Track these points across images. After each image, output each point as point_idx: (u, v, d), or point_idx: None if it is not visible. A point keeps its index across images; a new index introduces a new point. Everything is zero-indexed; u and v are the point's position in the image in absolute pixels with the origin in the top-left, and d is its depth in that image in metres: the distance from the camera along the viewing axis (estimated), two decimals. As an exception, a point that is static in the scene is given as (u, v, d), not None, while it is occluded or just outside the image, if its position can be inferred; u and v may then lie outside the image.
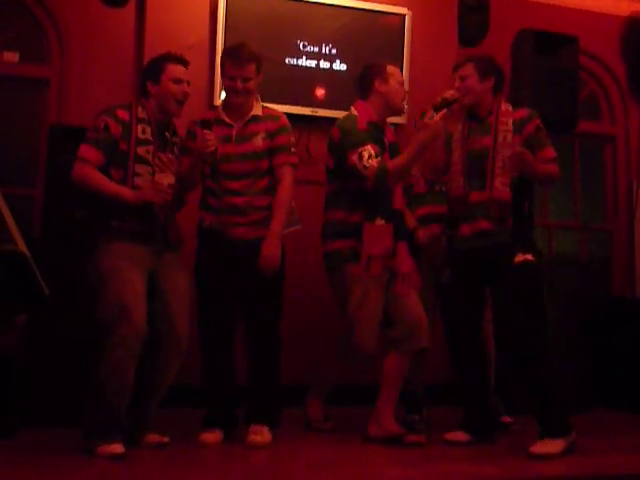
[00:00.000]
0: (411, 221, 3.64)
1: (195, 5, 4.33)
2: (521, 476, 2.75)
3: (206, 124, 3.10)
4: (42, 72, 4.33)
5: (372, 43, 4.50)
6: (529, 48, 4.57)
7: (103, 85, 4.19)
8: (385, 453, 3.06)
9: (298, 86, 4.39)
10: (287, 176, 3.19)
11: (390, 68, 3.42)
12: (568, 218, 5.39)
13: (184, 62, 3.12)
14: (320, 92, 4.44)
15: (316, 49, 4.45)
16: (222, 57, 3.27)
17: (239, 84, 3.13)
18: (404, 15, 4.55)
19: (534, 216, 3.41)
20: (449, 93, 3.24)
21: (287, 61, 4.39)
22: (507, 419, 3.68)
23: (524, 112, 3.31)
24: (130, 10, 4.33)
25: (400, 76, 3.49)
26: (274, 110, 3.34)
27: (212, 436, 3.08)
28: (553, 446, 2.99)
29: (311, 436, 3.40)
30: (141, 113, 3.04)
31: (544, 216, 5.22)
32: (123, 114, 3.00)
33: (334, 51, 4.47)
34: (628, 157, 5.40)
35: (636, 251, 5.20)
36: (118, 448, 2.77)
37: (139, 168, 2.98)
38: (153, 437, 3.00)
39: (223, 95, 4.18)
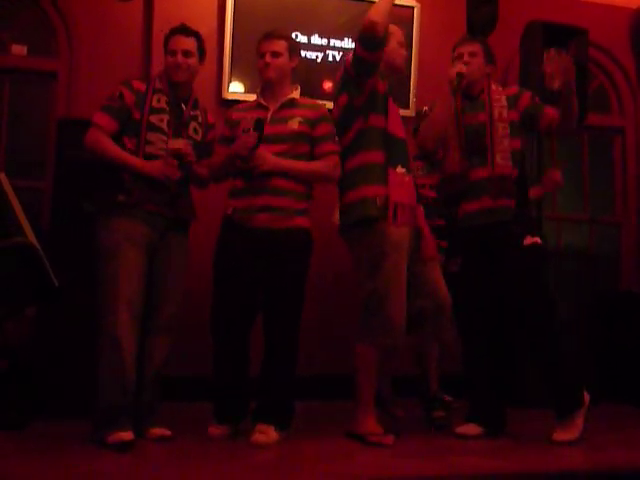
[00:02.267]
0: None
1: (203, 1, 4.32)
2: (537, 469, 2.71)
3: (259, 126, 2.97)
4: (50, 65, 4.34)
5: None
6: (538, 40, 4.50)
7: (111, 78, 4.13)
8: (396, 446, 3.02)
9: (306, 79, 4.36)
10: (334, 160, 3.11)
11: (391, 27, 3.27)
12: (577, 211, 5.36)
13: (184, 31, 3.11)
14: (328, 85, 4.42)
15: (325, 42, 4.44)
16: (258, 42, 3.20)
17: (268, 57, 3.10)
18: (413, 7, 4.56)
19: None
20: (459, 67, 3.25)
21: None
22: (446, 398, 3.68)
23: (514, 89, 3.40)
24: (138, 3, 4.35)
25: (401, 36, 3.39)
26: (315, 100, 3.30)
27: (217, 430, 3.04)
28: (572, 431, 3.01)
29: (324, 428, 3.36)
30: (158, 84, 3.07)
31: (553, 209, 5.20)
32: (139, 85, 3.05)
33: (342, 44, 4.45)
34: (638, 150, 5.38)
35: (646, 245, 5.17)
36: (127, 435, 2.77)
37: (151, 136, 2.98)
38: (156, 430, 2.98)
39: (232, 87, 4.23)
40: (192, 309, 3.23)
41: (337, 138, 3.15)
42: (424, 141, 3.41)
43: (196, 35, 3.13)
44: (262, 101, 3.16)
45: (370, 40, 3.00)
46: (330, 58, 4.42)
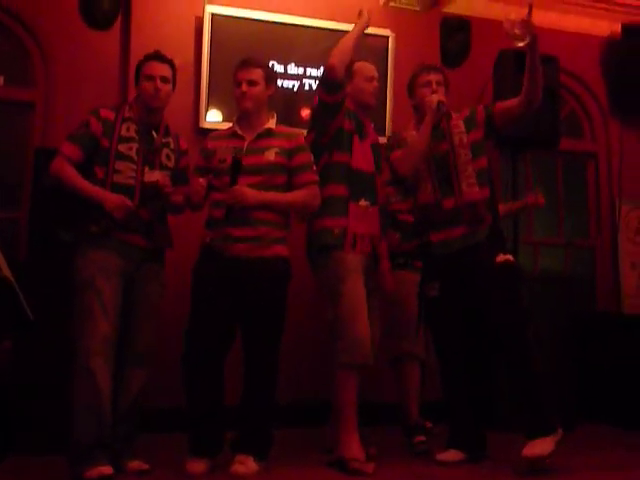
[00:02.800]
0: None
1: (180, 27, 4.35)
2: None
3: (236, 167, 3.01)
4: (27, 95, 4.32)
5: (356, 64, 4.54)
6: (510, 68, 4.58)
7: (88, 108, 4.08)
8: (377, 474, 3.01)
9: (283, 107, 4.40)
10: (309, 190, 3.14)
11: (356, 65, 3.43)
12: (552, 235, 5.42)
13: (159, 58, 3.12)
14: (305, 112, 4.45)
15: (301, 71, 4.48)
16: (233, 71, 3.23)
17: (244, 86, 3.12)
18: (388, 37, 4.61)
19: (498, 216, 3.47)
20: (440, 95, 3.34)
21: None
22: (428, 424, 3.70)
23: (467, 110, 3.44)
24: (115, 33, 4.35)
25: (369, 71, 3.47)
26: (292, 129, 3.31)
27: (197, 466, 2.97)
28: (543, 446, 2.98)
29: (303, 456, 3.33)
30: (127, 112, 3.06)
31: (529, 233, 5.25)
32: (107, 113, 3.04)
33: (319, 72, 4.48)
34: (610, 174, 5.44)
35: (620, 267, 5.23)
36: (106, 470, 2.74)
37: (120, 165, 2.97)
38: (134, 464, 2.95)
39: (209, 116, 4.25)
40: (168, 339, 3.19)
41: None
42: (402, 168, 3.42)
43: (170, 62, 3.14)
44: (238, 130, 3.17)
45: (329, 83, 3.17)
46: (307, 87, 4.46)
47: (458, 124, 3.37)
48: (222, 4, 4.35)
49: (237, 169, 2.99)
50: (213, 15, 4.29)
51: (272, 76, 3.25)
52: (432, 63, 3.69)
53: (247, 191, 3.01)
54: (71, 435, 2.81)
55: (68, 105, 4.21)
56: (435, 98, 3.33)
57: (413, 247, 3.74)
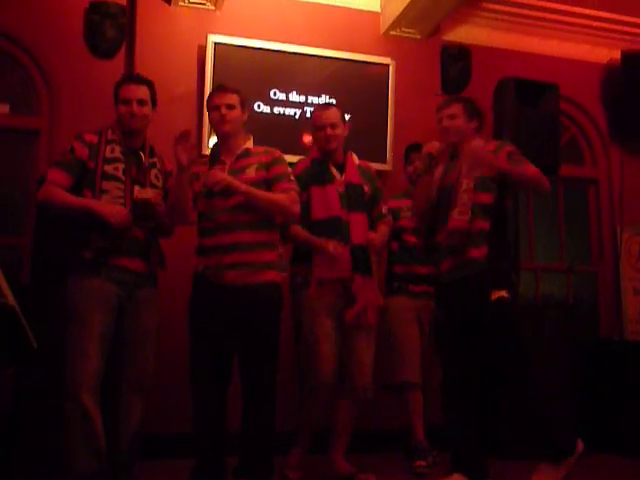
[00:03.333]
0: None
1: (183, 56, 4.42)
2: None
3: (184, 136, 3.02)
4: (32, 123, 4.37)
5: (358, 92, 4.61)
6: (510, 96, 4.64)
7: (92, 135, 4.23)
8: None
9: (286, 134, 4.45)
10: (293, 195, 3.17)
11: (312, 116, 3.58)
12: (554, 260, 5.43)
13: (135, 79, 3.12)
14: (308, 139, 4.50)
15: (302, 99, 4.54)
16: (208, 97, 3.30)
17: (223, 110, 3.14)
18: (388, 65, 4.66)
19: (511, 244, 3.45)
20: (433, 148, 3.26)
21: (275, 110, 4.48)
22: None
23: (493, 144, 3.32)
24: (119, 61, 4.39)
25: (317, 119, 3.51)
26: (268, 147, 3.32)
27: None
28: (552, 472, 2.97)
29: None
30: (110, 135, 3.04)
31: (530, 259, 5.26)
32: (91, 137, 3.03)
33: (321, 100, 4.55)
34: (611, 199, 5.46)
35: (622, 293, 5.23)
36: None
37: (107, 185, 2.94)
38: None
39: (211, 143, 4.30)
40: (161, 366, 3.17)
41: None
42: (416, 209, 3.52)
43: (148, 83, 3.12)
44: (219, 156, 3.20)
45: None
46: (308, 114, 4.50)
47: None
48: (224, 33, 4.41)
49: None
50: (216, 44, 4.35)
51: (245, 101, 3.26)
52: (450, 96, 3.63)
53: (218, 173, 3.04)
54: (67, 466, 2.79)
55: (73, 133, 4.22)
56: (425, 150, 3.30)
57: (418, 273, 3.76)
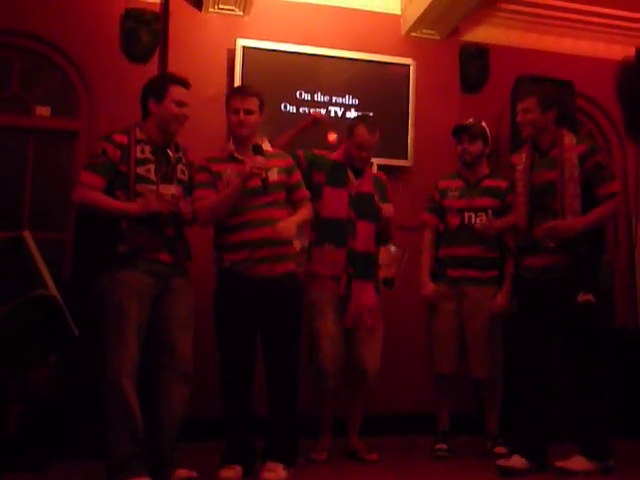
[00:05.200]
0: None
1: (213, 60, 4.43)
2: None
3: (257, 149, 3.08)
4: (72, 125, 4.42)
5: (380, 91, 4.59)
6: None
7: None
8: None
9: (311, 133, 4.43)
10: (309, 205, 3.30)
11: (357, 130, 3.55)
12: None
13: (186, 84, 3.08)
14: (332, 137, 4.48)
15: (327, 99, 4.54)
16: (227, 96, 3.30)
17: (242, 115, 3.15)
18: (409, 65, 4.63)
19: (602, 253, 3.35)
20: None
21: (301, 110, 4.48)
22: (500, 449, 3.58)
23: (586, 146, 3.24)
24: (153, 65, 4.42)
25: (362, 140, 3.51)
26: (278, 150, 3.37)
27: (232, 472, 3.01)
28: (582, 464, 2.96)
29: (319, 467, 3.36)
30: (139, 135, 2.98)
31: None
32: (121, 138, 2.94)
33: (343, 100, 4.55)
34: (626, 192, 5.37)
35: (637, 283, 5.16)
36: (147, 480, 2.74)
37: (140, 187, 2.90)
38: (182, 472, 2.93)
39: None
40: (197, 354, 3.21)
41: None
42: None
43: (188, 85, 3.09)
44: (236, 154, 3.19)
45: None
46: (332, 114, 4.50)
47: (572, 157, 3.20)
48: (252, 37, 4.42)
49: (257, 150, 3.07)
50: (244, 48, 4.36)
51: (264, 103, 3.25)
52: (528, 86, 3.56)
53: (289, 225, 3.10)
54: (108, 449, 2.80)
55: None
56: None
57: (450, 253, 3.72)
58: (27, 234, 2.08)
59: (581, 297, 3.06)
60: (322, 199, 3.48)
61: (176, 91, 3.02)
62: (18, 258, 2.01)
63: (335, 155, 3.61)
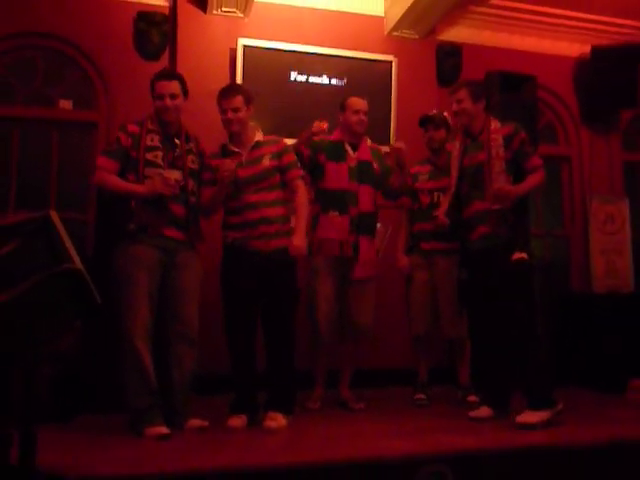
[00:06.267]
0: None
1: (217, 57, 4.38)
2: (500, 445, 2.70)
3: (226, 152, 3.11)
4: (92, 117, 4.38)
5: (365, 85, 4.52)
6: (496, 86, 4.56)
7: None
8: (383, 429, 3.03)
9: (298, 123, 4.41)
10: (301, 186, 3.23)
11: (349, 100, 3.60)
12: (534, 227, 5.36)
13: (166, 75, 3.07)
14: (324, 125, 4.41)
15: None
16: (217, 99, 3.21)
17: (230, 114, 3.12)
18: (391, 61, 4.59)
19: (529, 224, 3.35)
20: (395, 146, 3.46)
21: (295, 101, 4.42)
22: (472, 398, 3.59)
23: (510, 128, 3.22)
24: (163, 62, 4.38)
25: (357, 105, 3.57)
26: (272, 136, 3.33)
27: (239, 420, 3.03)
28: (537, 416, 2.94)
29: (312, 415, 3.38)
30: (151, 125, 2.99)
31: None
32: (133, 128, 2.97)
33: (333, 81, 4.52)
34: (582, 173, 5.39)
35: (590, 253, 5.19)
36: (163, 429, 2.76)
37: (149, 171, 2.91)
38: (194, 422, 2.94)
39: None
40: (205, 318, 3.21)
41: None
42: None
43: (179, 77, 3.07)
44: (234, 148, 3.19)
45: None
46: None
47: (498, 138, 3.20)
48: (252, 37, 4.36)
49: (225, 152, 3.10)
50: (245, 47, 4.31)
51: (250, 98, 3.19)
52: (456, 83, 3.49)
53: (303, 245, 3.13)
54: (127, 402, 2.83)
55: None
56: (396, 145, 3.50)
57: (423, 228, 3.70)
58: (54, 213, 2.04)
59: (516, 255, 3.08)
60: (325, 174, 3.51)
61: (158, 85, 3.01)
62: (46, 235, 1.99)
63: (333, 136, 3.62)
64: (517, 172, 3.22)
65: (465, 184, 3.27)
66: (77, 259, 1.99)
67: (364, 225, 3.50)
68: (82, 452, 2.52)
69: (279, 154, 3.18)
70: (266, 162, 3.14)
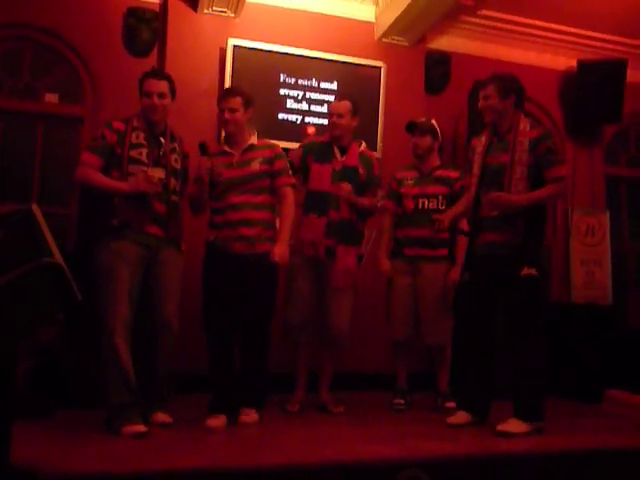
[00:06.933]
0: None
1: (207, 56, 4.36)
2: (478, 452, 2.71)
3: (203, 149, 3.10)
4: (77, 111, 4.34)
5: (354, 90, 4.51)
6: (483, 95, 4.58)
7: (129, 122, 4.19)
8: (362, 433, 3.03)
9: (292, 125, 4.41)
10: (289, 194, 3.22)
11: (329, 105, 3.65)
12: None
13: (155, 74, 3.08)
14: (311, 129, 4.46)
15: (308, 95, 4.49)
16: (217, 99, 3.27)
17: (227, 114, 3.14)
18: (380, 67, 4.60)
19: (543, 236, 3.17)
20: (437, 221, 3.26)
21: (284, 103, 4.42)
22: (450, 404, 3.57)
23: (538, 132, 3.08)
24: (152, 59, 4.35)
25: (330, 108, 3.63)
26: (269, 141, 3.35)
27: (217, 421, 3.01)
28: (521, 427, 2.93)
29: (291, 418, 3.36)
30: (136, 123, 2.99)
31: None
32: (118, 125, 2.96)
33: (323, 97, 4.50)
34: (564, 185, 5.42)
35: (571, 264, 5.24)
36: (141, 427, 2.74)
37: (132, 168, 2.91)
38: (159, 416, 2.94)
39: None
40: (187, 316, 3.19)
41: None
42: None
43: (167, 78, 3.07)
44: (227, 148, 3.21)
45: None
46: (313, 109, 4.49)
47: (524, 142, 3.04)
48: (242, 37, 4.35)
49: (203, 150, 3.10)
50: (235, 47, 4.29)
51: (250, 100, 3.21)
52: (486, 78, 3.23)
53: (285, 254, 3.14)
54: (106, 399, 2.82)
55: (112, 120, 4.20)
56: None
57: (407, 234, 3.69)
58: (35, 207, 2.02)
59: (525, 271, 2.98)
60: (310, 175, 3.52)
61: (147, 84, 3.01)
62: (28, 229, 1.97)
63: (322, 138, 3.66)
64: (537, 179, 3.05)
65: (484, 184, 3.13)
66: (58, 253, 1.97)
67: (344, 231, 3.44)
68: (58, 448, 2.49)
69: (271, 159, 3.19)
70: (256, 166, 3.15)
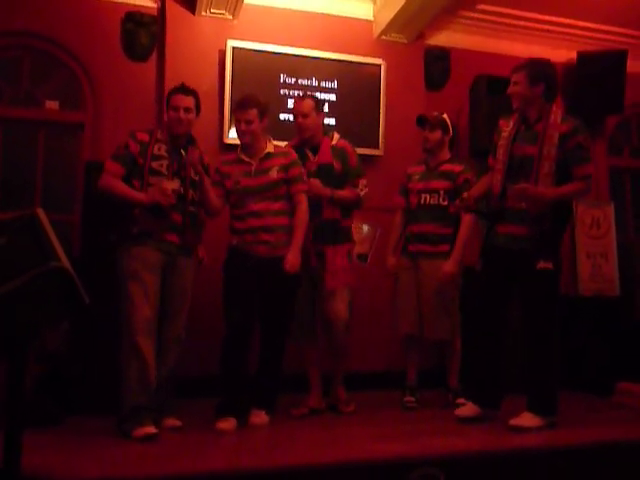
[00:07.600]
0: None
1: (206, 59, 4.34)
2: (490, 447, 2.69)
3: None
4: (78, 118, 4.32)
5: (354, 88, 4.53)
6: (483, 90, 4.61)
7: (130, 128, 4.10)
8: (373, 432, 3.01)
9: (292, 125, 4.38)
10: (303, 201, 3.24)
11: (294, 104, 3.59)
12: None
13: (183, 90, 3.14)
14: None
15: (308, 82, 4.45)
16: (233, 109, 3.33)
17: (243, 126, 3.19)
18: (380, 65, 4.58)
19: (565, 230, 3.15)
20: (463, 196, 3.21)
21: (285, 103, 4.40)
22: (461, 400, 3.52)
23: (569, 125, 2.97)
24: (152, 64, 4.35)
25: (293, 110, 3.55)
26: (283, 147, 3.38)
27: (227, 423, 3.00)
28: (534, 421, 2.91)
29: (301, 419, 3.34)
30: (160, 135, 3.09)
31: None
32: (143, 136, 3.06)
33: (323, 96, 4.47)
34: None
35: (577, 257, 5.21)
36: (151, 429, 2.76)
37: (153, 179, 2.99)
38: (169, 421, 2.99)
39: (232, 133, 4.24)
40: (200, 320, 3.23)
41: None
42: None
43: (194, 93, 3.15)
44: (244, 157, 3.25)
45: None
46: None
47: (554, 135, 2.95)
48: (241, 39, 4.33)
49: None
50: (234, 48, 4.27)
51: (265, 110, 3.25)
52: (520, 63, 3.11)
53: (297, 262, 3.13)
54: (122, 399, 2.84)
55: (113, 125, 4.20)
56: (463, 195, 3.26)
57: (410, 230, 3.67)
58: (40, 211, 2.01)
59: (541, 264, 2.93)
60: None
61: (174, 98, 3.11)
62: (33, 233, 1.96)
63: (292, 142, 3.57)
64: (564, 173, 2.98)
65: (509, 174, 3.03)
66: (65, 258, 1.95)
67: (330, 232, 3.40)
68: (69, 454, 2.48)
69: (286, 166, 3.22)
70: (274, 174, 3.20)
